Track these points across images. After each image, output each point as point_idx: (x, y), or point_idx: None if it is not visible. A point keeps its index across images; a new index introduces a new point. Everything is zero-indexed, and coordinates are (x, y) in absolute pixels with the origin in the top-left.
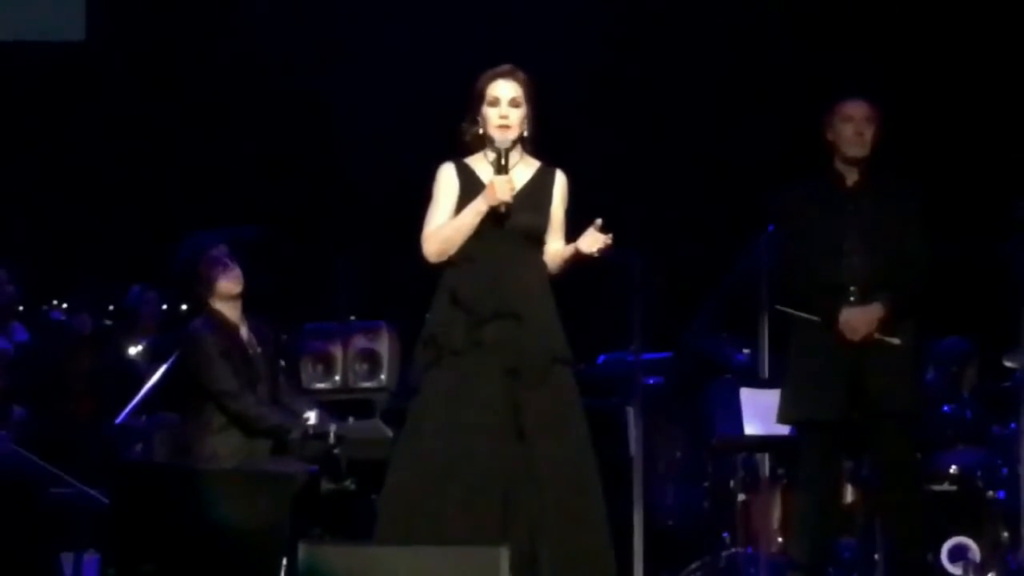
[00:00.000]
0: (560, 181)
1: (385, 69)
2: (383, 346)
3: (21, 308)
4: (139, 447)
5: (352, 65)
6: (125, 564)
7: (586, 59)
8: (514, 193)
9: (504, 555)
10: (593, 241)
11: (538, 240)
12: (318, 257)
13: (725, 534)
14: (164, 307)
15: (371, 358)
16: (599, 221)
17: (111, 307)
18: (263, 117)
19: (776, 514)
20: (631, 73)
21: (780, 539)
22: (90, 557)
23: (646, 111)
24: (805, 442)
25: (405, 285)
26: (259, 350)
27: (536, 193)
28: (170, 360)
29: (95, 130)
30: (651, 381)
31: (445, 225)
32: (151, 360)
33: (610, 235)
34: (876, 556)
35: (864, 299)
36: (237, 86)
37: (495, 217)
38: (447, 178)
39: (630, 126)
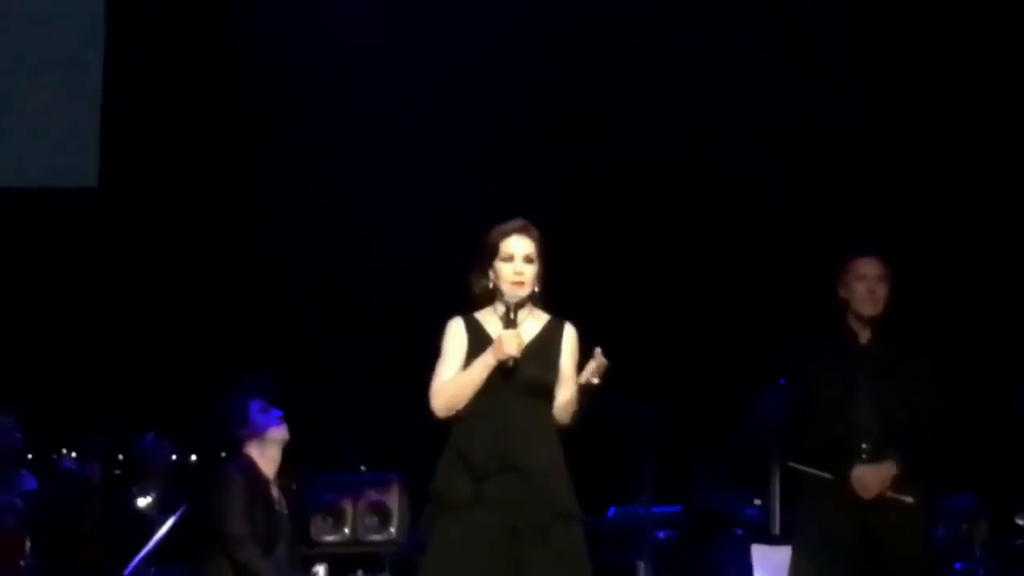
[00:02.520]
0: (569, 334)
1: (396, 215)
2: (393, 499)
3: (30, 456)
4: None
5: (362, 209)
6: None
7: (594, 213)
8: (522, 347)
9: None
10: (589, 370)
11: (546, 394)
12: (328, 405)
13: None
14: (174, 457)
15: (381, 511)
16: (599, 349)
17: (120, 456)
18: (274, 267)
19: None
20: (640, 226)
21: None
22: None
23: (656, 264)
24: None
25: (416, 435)
26: (286, 511)
27: (545, 347)
28: (180, 511)
29: (107, 277)
30: (661, 535)
31: (453, 380)
32: (160, 511)
33: (604, 361)
34: None
35: (876, 457)
36: (249, 236)
37: (503, 372)
38: (456, 332)
39: (639, 279)
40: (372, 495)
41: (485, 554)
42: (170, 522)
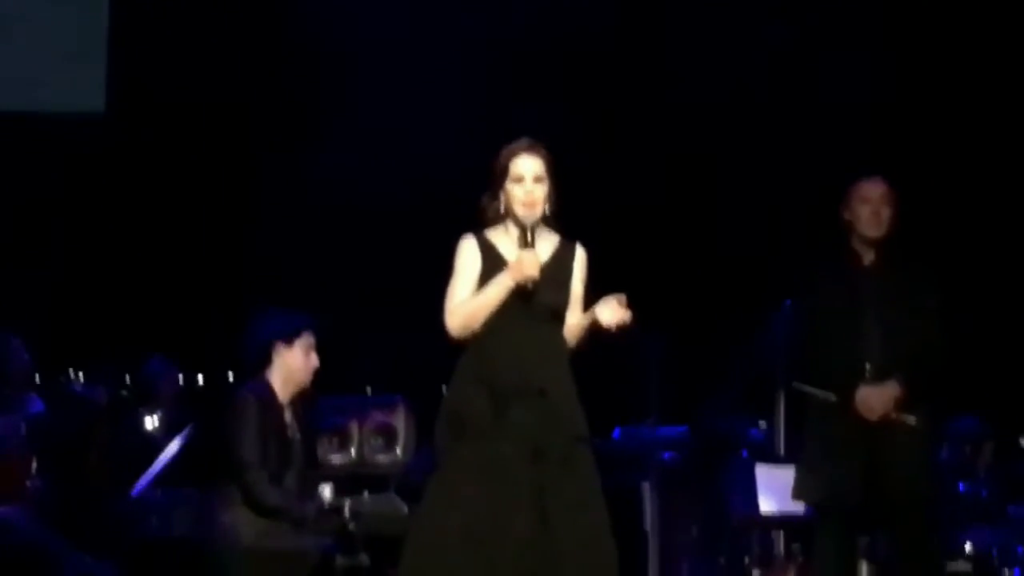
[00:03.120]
0: (580, 256)
1: (400, 144)
2: (399, 421)
3: (38, 379)
4: (155, 520)
5: (366, 136)
6: None
7: (602, 139)
8: (540, 269)
9: None
10: (612, 313)
11: (559, 316)
12: (334, 328)
13: None
14: (181, 379)
15: (387, 433)
16: (623, 297)
17: (127, 379)
18: (281, 191)
19: None
20: (647, 150)
21: None
22: None
23: (663, 189)
24: (820, 520)
25: (421, 358)
26: (299, 437)
27: (557, 269)
28: (186, 432)
29: (112, 203)
30: (667, 456)
31: (469, 300)
32: (167, 432)
33: (630, 314)
34: None
35: (880, 378)
36: (256, 162)
37: (519, 293)
38: (469, 251)
39: (646, 202)
40: (378, 417)
41: (506, 475)
42: (176, 444)
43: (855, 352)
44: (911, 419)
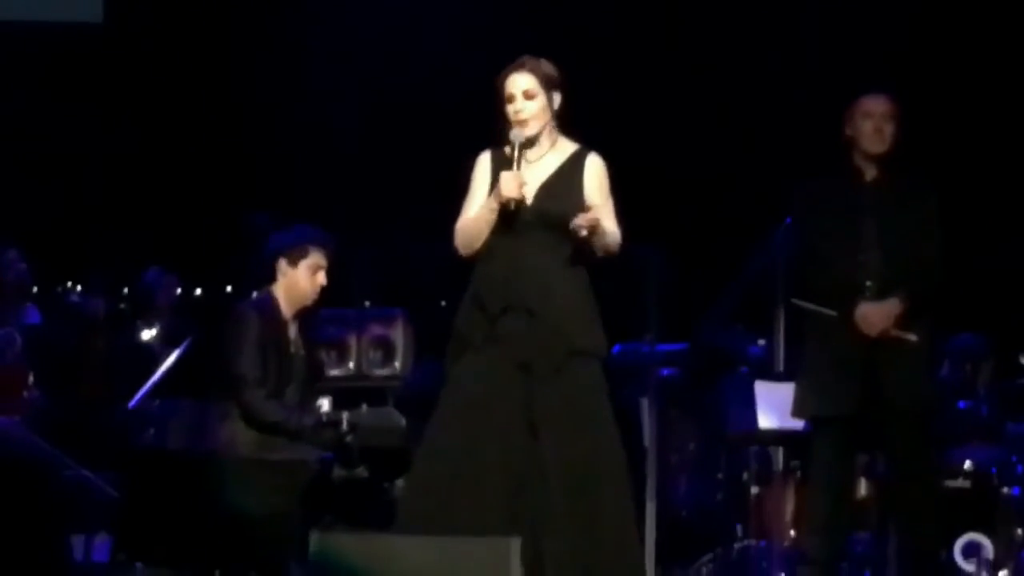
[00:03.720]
0: (592, 163)
1: (406, 57)
2: (398, 334)
3: (36, 290)
4: (152, 431)
5: (365, 47)
6: (136, 548)
7: (606, 54)
8: (525, 188)
9: (515, 546)
10: (582, 218)
11: (566, 228)
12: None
13: (738, 526)
14: (179, 291)
15: (385, 346)
16: (588, 206)
17: (125, 290)
18: (278, 102)
19: (789, 507)
20: (650, 65)
21: (793, 532)
22: (101, 540)
23: (667, 102)
24: (819, 437)
25: (420, 272)
26: (302, 352)
27: (564, 180)
28: (184, 344)
29: (110, 112)
30: (666, 372)
31: (468, 219)
32: (164, 344)
33: (594, 215)
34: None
35: (880, 295)
36: (252, 70)
37: (511, 212)
38: (481, 168)
39: (650, 117)
40: (376, 330)
41: (496, 391)
42: (174, 356)
43: (856, 269)
44: (911, 336)
